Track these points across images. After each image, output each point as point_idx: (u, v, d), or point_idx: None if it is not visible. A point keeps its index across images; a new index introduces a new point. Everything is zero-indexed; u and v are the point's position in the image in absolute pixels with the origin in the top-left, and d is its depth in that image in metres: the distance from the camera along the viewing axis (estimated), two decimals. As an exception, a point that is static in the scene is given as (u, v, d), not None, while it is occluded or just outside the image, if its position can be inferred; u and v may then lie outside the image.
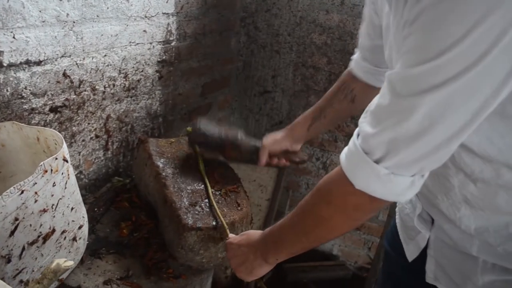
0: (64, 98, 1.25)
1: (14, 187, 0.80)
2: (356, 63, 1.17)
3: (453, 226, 0.82)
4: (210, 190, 1.15)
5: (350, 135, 2.00)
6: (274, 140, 1.31)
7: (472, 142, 0.69)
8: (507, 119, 0.64)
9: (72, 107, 1.29)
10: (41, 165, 0.85)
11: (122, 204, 1.35)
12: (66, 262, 0.67)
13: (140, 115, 1.59)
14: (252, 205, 1.97)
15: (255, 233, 0.96)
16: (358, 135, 0.69)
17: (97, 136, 1.42)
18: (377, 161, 0.65)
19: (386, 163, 0.64)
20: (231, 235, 1.03)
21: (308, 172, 2.17)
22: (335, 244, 2.23)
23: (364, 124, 0.68)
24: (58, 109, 1.25)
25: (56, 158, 0.89)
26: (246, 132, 2.13)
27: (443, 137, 0.60)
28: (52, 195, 0.90)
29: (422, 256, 0.93)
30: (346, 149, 0.72)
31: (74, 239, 1.03)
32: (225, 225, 1.07)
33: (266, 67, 2.11)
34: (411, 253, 0.97)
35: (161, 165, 1.22)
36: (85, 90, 1.31)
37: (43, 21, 1.11)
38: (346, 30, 1.89)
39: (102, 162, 1.48)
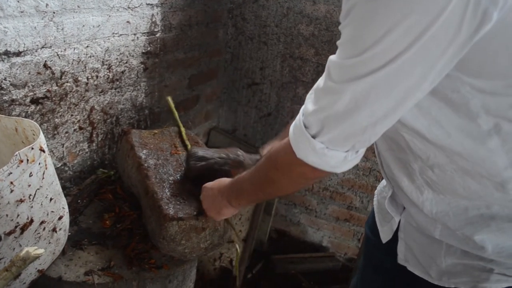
0: (45, 90, 1.24)
1: (-12, 177, 0.80)
2: None
3: (418, 210, 0.86)
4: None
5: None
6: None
7: (423, 127, 0.74)
8: (451, 105, 0.69)
9: (54, 98, 1.28)
10: (16, 155, 0.85)
11: (106, 195, 1.34)
12: (36, 250, 0.67)
13: (125, 107, 1.58)
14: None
15: (225, 180, 1.06)
16: (302, 110, 0.76)
17: (81, 128, 1.41)
18: (314, 136, 0.72)
19: (321, 138, 0.71)
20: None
21: (297, 164, 2.17)
22: (324, 236, 2.24)
23: (308, 101, 0.74)
24: (40, 101, 1.24)
25: (32, 148, 0.88)
26: (235, 125, 2.12)
27: (368, 121, 0.67)
28: (29, 185, 0.90)
29: (396, 238, 0.95)
30: (293, 122, 0.77)
31: (54, 229, 1.02)
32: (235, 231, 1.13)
33: (254, 59, 2.10)
34: (385, 235, 1.00)
35: (143, 156, 1.22)
36: (67, 82, 1.30)
37: (22, 12, 1.10)
38: (333, 20, 1.88)
39: (86, 154, 1.47)
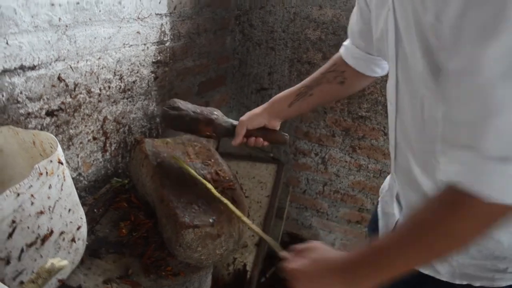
0: (60, 102, 1.26)
1: (9, 190, 0.82)
2: (346, 49, 1.15)
3: None
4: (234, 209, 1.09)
5: (347, 130, 2.02)
6: (251, 115, 1.26)
7: None
8: None
9: (68, 110, 1.30)
10: (36, 168, 0.87)
11: (121, 204, 1.36)
12: (61, 262, 0.69)
13: (137, 116, 1.60)
14: (252, 202, 1.99)
15: (329, 258, 0.78)
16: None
17: (94, 138, 1.44)
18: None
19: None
20: (287, 255, 0.85)
21: (307, 167, 2.18)
22: (336, 238, 2.24)
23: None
24: (55, 113, 1.26)
25: (51, 161, 0.90)
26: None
27: None
28: (49, 197, 0.92)
29: None
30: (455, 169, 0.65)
31: (73, 240, 1.04)
32: (274, 243, 0.96)
33: (262, 64, 2.12)
34: None
35: (157, 165, 1.23)
36: (80, 93, 1.33)
37: (36, 26, 1.13)
38: (340, 24, 1.89)
39: (100, 164, 1.49)
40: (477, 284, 0.87)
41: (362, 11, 1.04)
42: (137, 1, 1.43)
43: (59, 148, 0.94)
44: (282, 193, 2.12)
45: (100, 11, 1.30)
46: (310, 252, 0.80)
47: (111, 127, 1.50)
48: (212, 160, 1.33)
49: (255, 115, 1.25)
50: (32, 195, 0.87)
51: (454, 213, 0.64)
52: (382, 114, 1.93)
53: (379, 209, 1.09)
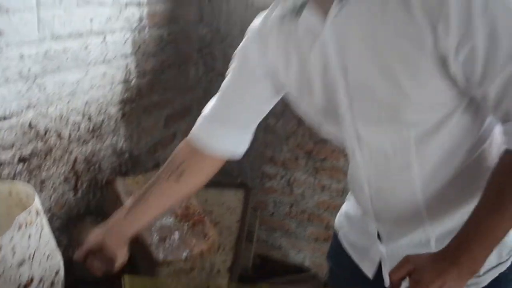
0: (31, 148, 1.31)
1: (-8, 245, 0.86)
2: (202, 128, 1.06)
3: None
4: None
5: (309, 153, 2.12)
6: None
7: None
8: None
9: (40, 155, 1.34)
10: (16, 220, 0.91)
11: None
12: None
13: (106, 153, 1.65)
14: (223, 228, 2.05)
15: (435, 259, 0.80)
16: None
17: (66, 179, 1.48)
18: None
19: None
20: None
21: (274, 190, 2.27)
22: (305, 257, 2.33)
23: None
24: (27, 159, 1.30)
25: (30, 212, 0.95)
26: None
27: None
28: (28, 247, 0.96)
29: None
30: None
31: (52, 284, 1.08)
32: None
33: (225, 94, 2.20)
34: (369, 270, 1.04)
35: (130, 204, 1.29)
36: (51, 137, 1.37)
37: (7, 79, 1.18)
38: (297, 54, 2.00)
39: (73, 203, 1.53)
40: None
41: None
42: (102, 46, 1.49)
43: (37, 199, 0.99)
44: (251, 217, 2.19)
45: (67, 58, 1.36)
46: (415, 267, 0.81)
47: (82, 166, 1.54)
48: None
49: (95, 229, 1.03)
50: (13, 247, 0.91)
51: None
52: (341, 137, 2.04)
53: (346, 245, 1.11)
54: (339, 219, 1.17)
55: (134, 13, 1.62)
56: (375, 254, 1.03)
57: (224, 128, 1.03)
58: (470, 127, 0.86)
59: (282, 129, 2.16)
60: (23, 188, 1.05)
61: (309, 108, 0.97)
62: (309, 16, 0.84)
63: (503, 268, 0.92)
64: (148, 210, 1.01)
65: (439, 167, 0.89)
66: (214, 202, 2.08)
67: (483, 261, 0.79)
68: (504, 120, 0.78)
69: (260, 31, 0.97)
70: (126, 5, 1.56)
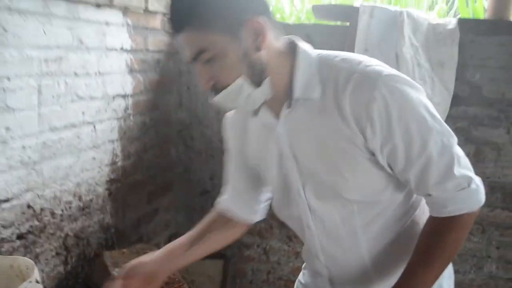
0: (28, 226, 1.47)
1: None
2: (227, 202, 1.27)
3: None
4: None
5: (282, 223, 2.29)
6: (138, 261, 1.19)
7: None
8: None
9: (35, 232, 1.50)
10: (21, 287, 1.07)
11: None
12: None
13: (94, 229, 1.81)
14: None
15: None
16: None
17: (57, 254, 1.62)
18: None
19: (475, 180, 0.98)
20: None
21: (251, 258, 2.42)
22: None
23: (460, 178, 0.96)
24: (24, 236, 1.46)
25: (31, 281, 1.10)
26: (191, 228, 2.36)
27: None
28: (27, 314, 1.11)
29: None
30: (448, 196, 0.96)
31: None
32: None
33: (203, 171, 2.41)
34: None
35: (116, 274, 1.44)
36: (45, 216, 1.54)
37: (10, 166, 1.36)
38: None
39: (63, 276, 1.66)
40: None
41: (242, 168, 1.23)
42: (92, 133, 1.70)
43: (36, 270, 1.15)
44: (231, 285, 2.32)
45: (62, 146, 1.56)
46: None
47: (72, 242, 1.69)
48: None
49: (143, 262, 1.18)
50: (16, 314, 1.06)
51: (452, 230, 0.97)
52: (310, 206, 2.24)
53: None
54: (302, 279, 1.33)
55: (121, 104, 1.85)
56: None
57: (237, 201, 1.25)
58: (401, 199, 1.05)
59: (256, 200, 2.35)
60: (23, 261, 1.21)
61: (271, 189, 1.20)
62: (264, 114, 1.05)
63: None
64: (205, 250, 1.24)
65: (380, 231, 1.07)
66: (195, 272, 2.22)
67: None
68: (425, 195, 0.99)
69: (230, 119, 1.22)
70: (114, 97, 1.80)
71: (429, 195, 0.97)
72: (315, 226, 1.09)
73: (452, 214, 0.96)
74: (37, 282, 1.14)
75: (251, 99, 0.97)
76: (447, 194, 0.95)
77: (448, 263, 1.03)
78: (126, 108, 1.90)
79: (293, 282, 2.36)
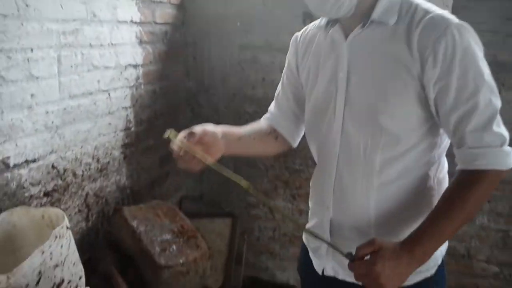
0: (53, 185, 1.62)
1: (37, 250, 1.17)
2: (274, 117, 1.37)
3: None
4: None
5: (286, 182, 2.45)
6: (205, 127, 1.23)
7: None
8: None
9: (59, 190, 1.66)
10: (53, 233, 1.22)
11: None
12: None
13: (111, 189, 1.97)
14: (214, 252, 2.34)
15: (394, 250, 1.00)
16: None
17: (80, 211, 1.78)
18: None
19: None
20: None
21: (258, 217, 2.58)
22: (290, 276, 2.61)
23: (497, 131, 1.00)
24: (50, 194, 1.61)
25: (62, 227, 1.26)
26: (202, 192, 2.52)
27: None
28: (61, 254, 1.27)
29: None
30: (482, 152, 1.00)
31: (76, 286, 1.37)
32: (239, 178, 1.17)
33: (211, 136, 2.55)
34: (318, 266, 1.26)
35: (135, 225, 1.60)
36: (68, 176, 1.69)
37: (36, 130, 1.51)
38: (270, 99, 2.36)
39: (85, 232, 1.83)
40: None
41: (290, 85, 1.33)
42: (107, 100, 1.84)
43: (66, 218, 1.30)
44: (239, 241, 2.49)
45: (80, 112, 1.70)
46: (379, 248, 1.00)
47: (92, 200, 1.85)
48: (177, 218, 1.71)
49: (207, 127, 1.23)
50: (51, 253, 1.22)
51: (477, 185, 1.00)
52: (312, 167, 2.38)
53: (310, 254, 1.31)
54: (304, 235, 1.40)
55: (132, 73, 1.98)
56: (324, 251, 1.24)
57: (284, 120, 1.34)
58: (424, 148, 1.09)
59: (261, 163, 2.50)
60: (53, 212, 1.37)
61: (309, 104, 1.23)
62: (335, 32, 1.13)
63: (427, 274, 1.16)
64: (251, 147, 1.33)
65: (395, 177, 1.10)
66: (205, 230, 2.38)
67: (430, 254, 1.02)
68: (458, 145, 1.03)
69: (297, 36, 1.30)
70: (125, 67, 1.93)
71: (462, 145, 1.01)
72: (340, 152, 1.14)
73: (481, 168, 0.99)
74: (68, 228, 1.29)
75: (338, 4, 1.03)
76: (480, 146, 0.99)
77: (468, 219, 1.04)
78: (137, 78, 2.03)
79: (297, 237, 2.54)
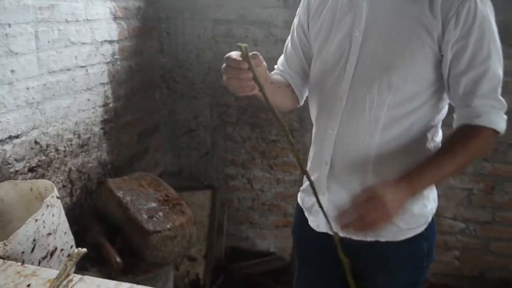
0: (37, 160, 1.65)
1: (31, 218, 1.21)
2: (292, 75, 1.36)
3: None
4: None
5: (263, 153, 2.53)
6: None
7: None
8: None
9: (43, 166, 1.69)
10: (45, 202, 1.26)
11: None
12: (82, 250, 1.09)
13: (93, 165, 2.00)
14: (196, 223, 2.41)
15: (392, 182, 1.05)
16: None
17: (64, 186, 1.81)
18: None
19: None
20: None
21: (237, 188, 2.66)
22: (270, 243, 2.71)
23: (497, 98, 1.10)
24: (34, 169, 1.64)
25: (53, 197, 1.30)
26: (180, 168, 2.57)
27: None
28: (53, 223, 1.31)
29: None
30: (488, 116, 1.08)
31: (68, 255, 1.42)
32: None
33: (187, 111, 2.59)
34: (314, 222, 1.32)
35: (121, 195, 1.65)
36: (51, 152, 1.72)
37: (17, 106, 1.53)
38: (244, 72, 2.42)
39: (70, 206, 1.86)
40: (383, 240, 1.22)
41: (300, 44, 1.33)
42: (85, 76, 1.86)
43: (55, 189, 1.34)
44: (219, 212, 2.57)
45: (60, 88, 1.72)
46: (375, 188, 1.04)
47: (75, 176, 1.88)
48: (161, 187, 1.76)
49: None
50: (44, 221, 1.26)
51: (477, 137, 1.08)
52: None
53: (306, 214, 1.36)
54: (299, 196, 1.43)
55: (108, 49, 2.00)
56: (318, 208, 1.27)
57: (293, 77, 1.35)
58: (429, 110, 1.15)
59: (238, 135, 2.56)
60: (42, 184, 1.40)
61: (317, 60, 1.25)
62: None
63: (418, 231, 1.24)
64: (276, 95, 1.24)
65: (396, 139, 1.16)
66: (187, 202, 2.45)
67: (425, 187, 1.10)
68: (464, 106, 1.10)
69: None
70: (102, 43, 1.94)
71: (468, 106, 1.09)
72: (345, 109, 1.18)
73: (482, 124, 1.07)
74: (58, 197, 1.33)
75: None
76: (485, 107, 1.08)
77: (461, 165, 1.11)
78: (113, 54, 2.05)
79: (276, 206, 2.64)
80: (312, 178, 1.27)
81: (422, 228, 1.26)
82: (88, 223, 1.73)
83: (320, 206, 1.15)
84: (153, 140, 2.56)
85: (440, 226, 2.42)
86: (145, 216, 1.55)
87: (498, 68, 1.08)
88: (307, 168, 1.33)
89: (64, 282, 1.00)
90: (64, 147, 1.79)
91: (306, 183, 1.37)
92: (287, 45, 1.39)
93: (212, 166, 2.65)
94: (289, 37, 1.39)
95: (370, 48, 1.14)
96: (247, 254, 2.72)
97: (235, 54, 1.06)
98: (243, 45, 1.03)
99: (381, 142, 1.17)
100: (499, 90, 1.09)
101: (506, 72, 1.13)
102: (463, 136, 1.09)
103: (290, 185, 2.56)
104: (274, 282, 2.48)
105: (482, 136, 1.09)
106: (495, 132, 1.09)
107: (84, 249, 1.10)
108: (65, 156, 1.80)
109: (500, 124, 1.09)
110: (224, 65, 1.08)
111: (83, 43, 1.82)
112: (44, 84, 1.64)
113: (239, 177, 2.63)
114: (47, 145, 1.69)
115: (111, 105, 2.08)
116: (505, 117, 1.10)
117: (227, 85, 1.11)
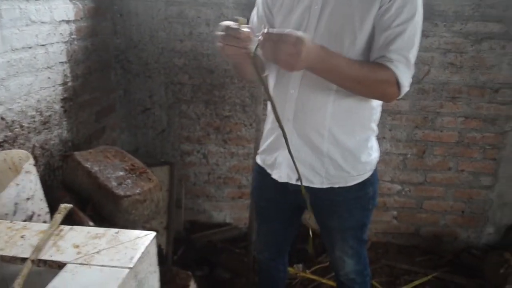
0: (4, 135, 1.70)
1: (12, 182, 1.29)
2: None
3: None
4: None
5: (217, 128, 2.67)
6: None
7: None
8: None
9: (9, 141, 1.74)
10: (24, 168, 1.34)
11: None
12: (68, 205, 1.20)
13: (55, 142, 2.06)
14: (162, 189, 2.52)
15: (318, 46, 1.19)
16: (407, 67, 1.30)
17: (29, 162, 1.87)
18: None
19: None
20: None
21: (193, 164, 2.79)
22: (226, 215, 2.87)
23: (409, 62, 1.30)
24: (1, 144, 1.69)
25: (30, 164, 1.38)
26: (137, 146, 2.65)
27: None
28: (31, 188, 1.39)
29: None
30: (399, 68, 1.28)
31: (45, 222, 1.50)
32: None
33: (143, 90, 2.68)
34: (282, 174, 1.50)
35: (89, 166, 1.74)
36: (16, 128, 1.77)
37: (-16, 82, 1.58)
38: (197, 51, 2.54)
39: (35, 182, 1.92)
40: (336, 186, 1.46)
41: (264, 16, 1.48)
42: (46, 55, 1.91)
43: (31, 156, 1.42)
44: (177, 187, 2.68)
45: (22, 65, 1.77)
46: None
47: (39, 152, 1.94)
48: (126, 158, 1.87)
49: None
50: (23, 186, 1.34)
51: (382, 71, 1.26)
52: (240, 112, 2.62)
53: (269, 171, 1.56)
54: (259, 158, 1.62)
55: (66, 29, 2.05)
56: (283, 159, 1.48)
57: None
58: None
59: (193, 112, 2.68)
60: (16, 153, 1.47)
61: (283, 25, 1.40)
62: None
63: (365, 176, 1.49)
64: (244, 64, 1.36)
65: (348, 96, 1.35)
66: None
67: (328, 64, 1.21)
68: (376, 58, 1.30)
69: None
70: (60, 22, 1.99)
71: (383, 56, 1.28)
72: (303, 74, 1.36)
73: (390, 67, 1.26)
74: (34, 165, 1.41)
75: None
76: (397, 59, 1.27)
77: (360, 76, 1.25)
78: (71, 33, 2.10)
79: (231, 178, 2.79)
80: (273, 137, 1.46)
81: (369, 174, 1.48)
82: (58, 196, 1.80)
83: (289, 150, 1.32)
84: (110, 119, 2.62)
85: (380, 189, 2.67)
86: (114, 183, 1.66)
87: (414, 35, 1.28)
88: (267, 129, 1.52)
89: (56, 232, 1.11)
90: (28, 123, 1.85)
91: (265, 144, 1.55)
92: (253, 19, 1.55)
93: (168, 143, 2.76)
94: (254, 11, 1.55)
95: (327, 18, 1.32)
96: (205, 227, 2.86)
97: (232, 24, 1.16)
98: (241, 18, 1.16)
99: (336, 99, 1.37)
100: (412, 55, 1.29)
101: (432, 48, 1.33)
102: (374, 64, 1.28)
103: (244, 158, 2.72)
104: (233, 247, 2.65)
105: (386, 76, 1.26)
106: (397, 84, 1.28)
107: (70, 205, 1.21)
108: (29, 133, 1.86)
109: (403, 78, 1.28)
110: (222, 33, 1.17)
111: (42, 22, 1.87)
112: (8, 61, 1.69)
113: (195, 153, 2.76)
114: (12, 121, 1.75)
115: (70, 84, 2.14)
116: (410, 80, 1.30)
117: (223, 52, 1.20)
